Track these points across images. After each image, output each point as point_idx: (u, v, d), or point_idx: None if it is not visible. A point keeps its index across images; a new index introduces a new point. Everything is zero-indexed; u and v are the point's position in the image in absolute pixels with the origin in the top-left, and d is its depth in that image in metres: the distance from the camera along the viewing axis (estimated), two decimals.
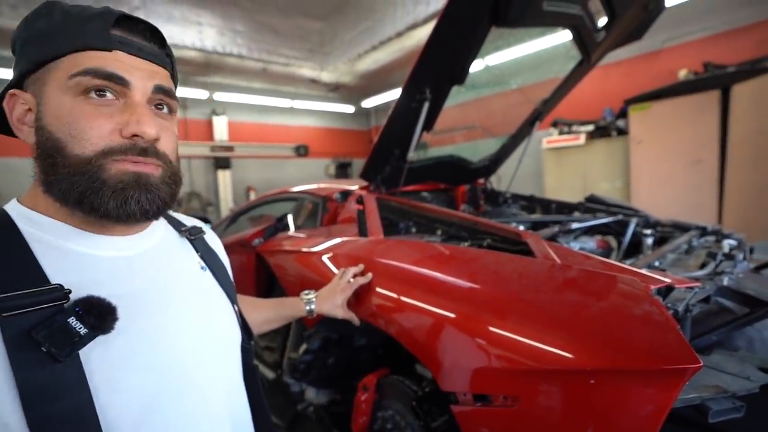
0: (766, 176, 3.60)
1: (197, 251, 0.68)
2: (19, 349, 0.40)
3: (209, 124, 8.42)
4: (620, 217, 1.90)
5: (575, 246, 1.65)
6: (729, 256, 1.41)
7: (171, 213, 0.71)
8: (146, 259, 0.57)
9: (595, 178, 5.26)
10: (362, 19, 5.97)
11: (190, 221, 0.74)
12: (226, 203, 8.36)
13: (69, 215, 0.51)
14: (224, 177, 8.48)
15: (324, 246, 1.43)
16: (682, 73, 4.75)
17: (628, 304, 0.77)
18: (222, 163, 8.45)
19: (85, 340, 0.43)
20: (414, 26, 5.35)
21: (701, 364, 0.61)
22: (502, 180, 2.76)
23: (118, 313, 0.47)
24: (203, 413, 0.55)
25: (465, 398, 0.85)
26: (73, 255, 0.50)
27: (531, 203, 2.49)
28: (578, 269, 0.91)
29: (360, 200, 1.56)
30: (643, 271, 0.90)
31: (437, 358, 0.91)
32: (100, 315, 0.45)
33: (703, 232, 1.79)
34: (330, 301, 1.06)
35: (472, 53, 1.55)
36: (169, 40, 0.56)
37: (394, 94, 5.98)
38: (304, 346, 1.44)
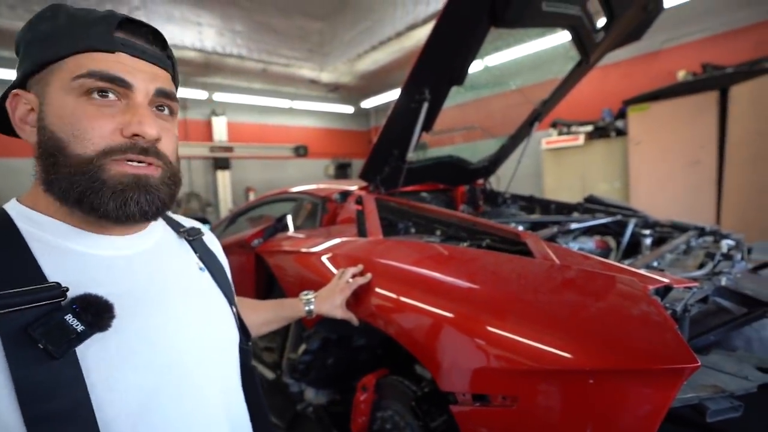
0: (765, 177, 3.61)
1: (196, 252, 0.68)
2: (16, 347, 0.41)
3: (209, 125, 8.42)
4: (619, 217, 1.90)
5: (574, 246, 1.65)
6: (727, 257, 1.42)
7: (170, 214, 0.71)
8: (145, 258, 0.57)
9: (594, 178, 5.27)
10: (362, 19, 5.97)
11: (188, 222, 0.74)
12: (226, 204, 8.36)
13: (68, 214, 0.51)
14: (223, 177, 8.47)
15: (323, 246, 1.43)
16: (681, 74, 4.76)
17: (626, 305, 0.77)
18: (221, 164, 8.44)
19: (81, 338, 0.43)
20: (413, 26, 5.35)
21: (699, 363, 0.61)
22: (501, 180, 2.76)
23: (114, 310, 0.47)
24: (201, 413, 0.55)
25: (464, 398, 0.85)
26: (72, 254, 0.50)
27: (530, 204, 2.49)
28: (577, 269, 0.91)
29: (359, 201, 1.57)
30: (642, 272, 0.90)
31: (436, 359, 0.91)
32: (96, 312, 0.45)
33: (702, 232, 1.79)
34: (329, 301, 1.06)
35: (472, 54, 1.55)
36: (169, 41, 0.57)
37: (394, 94, 5.99)
38: (303, 347, 1.44)
